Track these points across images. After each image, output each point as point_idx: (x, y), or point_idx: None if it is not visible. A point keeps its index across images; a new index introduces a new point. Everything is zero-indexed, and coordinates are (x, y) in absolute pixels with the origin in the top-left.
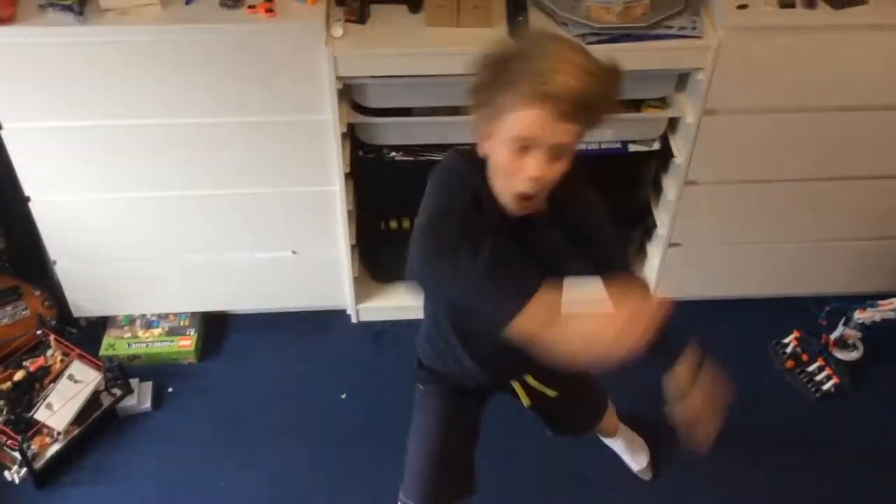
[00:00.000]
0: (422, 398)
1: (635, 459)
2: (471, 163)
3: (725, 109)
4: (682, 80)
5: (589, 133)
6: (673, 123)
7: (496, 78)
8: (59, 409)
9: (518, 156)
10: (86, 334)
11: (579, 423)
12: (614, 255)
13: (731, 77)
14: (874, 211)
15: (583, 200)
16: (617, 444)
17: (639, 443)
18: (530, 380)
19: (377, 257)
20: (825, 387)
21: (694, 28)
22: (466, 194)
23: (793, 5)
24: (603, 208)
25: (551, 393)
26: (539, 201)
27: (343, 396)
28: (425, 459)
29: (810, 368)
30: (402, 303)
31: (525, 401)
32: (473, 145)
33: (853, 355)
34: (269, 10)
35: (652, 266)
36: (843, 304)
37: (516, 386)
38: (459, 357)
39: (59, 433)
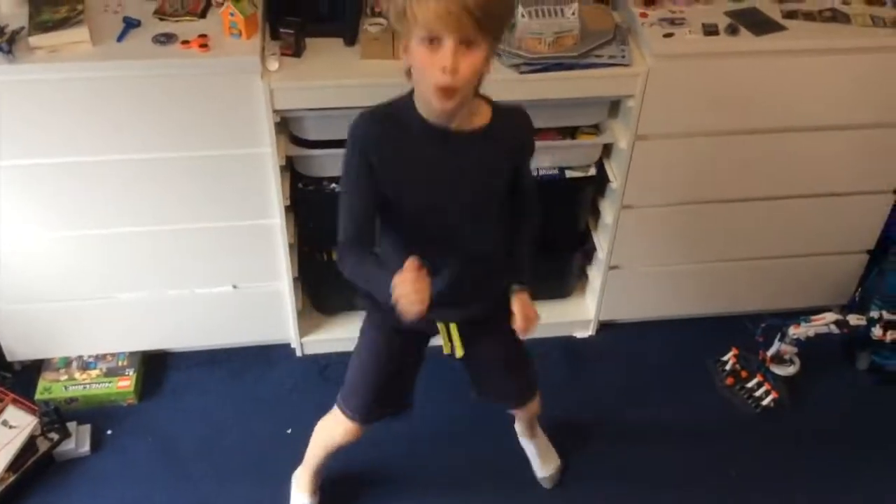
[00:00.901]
0: (366, 326)
1: (544, 466)
2: (383, 106)
3: (656, 134)
4: (614, 107)
5: (496, 32)
6: (607, 149)
7: None
8: None
9: (431, 50)
10: (20, 378)
11: (502, 391)
12: (529, 180)
13: (661, 103)
14: (804, 229)
15: (520, 127)
16: (530, 448)
17: (552, 453)
18: (453, 328)
19: (320, 289)
20: (764, 402)
21: (623, 56)
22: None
23: (716, 33)
24: (533, 143)
25: (459, 352)
26: (462, 96)
27: (289, 431)
28: (363, 380)
29: (749, 384)
30: (347, 334)
31: (447, 348)
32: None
33: (790, 370)
34: (203, 46)
35: (593, 289)
36: (778, 321)
37: (442, 330)
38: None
39: None
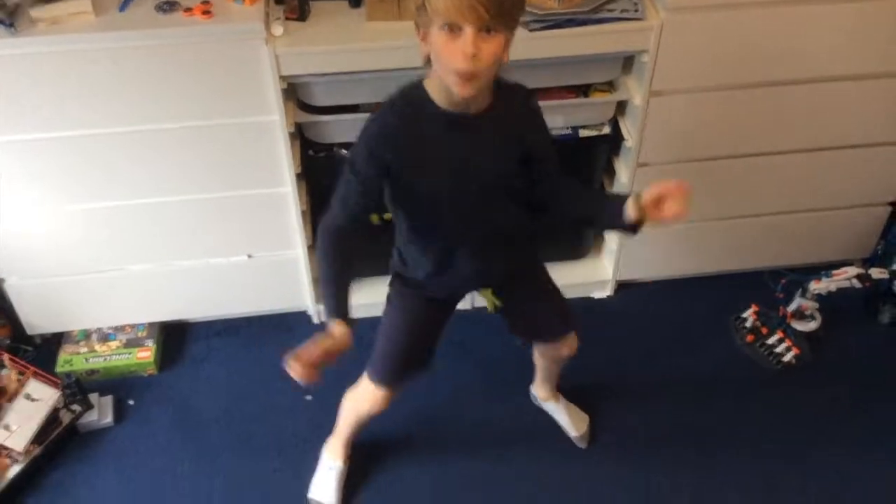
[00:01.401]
0: (392, 296)
1: (574, 426)
2: (399, 99)
3: (671, 90)
4: (627, 62)
5: (511, 23)
6: (621, 106)
7: None
8: (17, 429)
9: (451, 38)
10: (41, 351)
11: (547, 324)
12: (552, 165)
13: (675, 57)
14: (824, 182)
15: (522, 103)
16: (558, 411)
17: (577, 410)
18: (485, 293)
19: None
20: (785, 358)
21: (636, 10)
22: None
23: None
24: (544, 122)
25: (497, 304)
26: (481, 83)
27: (308, 398)
28: (394, 350)
29: (770, 341)
30: (363, 300)
31: (490, 306)
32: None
33: (811, 326)
34: (207, 13)
35: (610, 249)
36: (799, 276)
37: (482, 292)
38: (421, 264)
39: (19, 454)
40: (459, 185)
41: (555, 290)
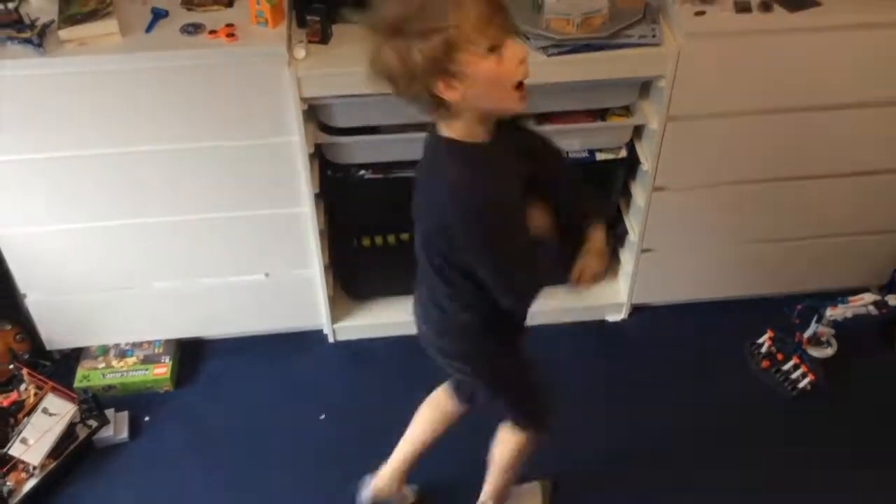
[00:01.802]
0: (494, 354)
1: None
2: (458, 157)
3: (688, 115)
4: (644, 87)
5: None
6: (638, 131)
7: (430, 24)
8: (34, 443)
9: (499, 59)
10: (60, 367)
11: None
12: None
13: (693, 83)
14: (840, 208)
15: (516, 125)
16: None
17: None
18: None
19: (352, 276)
20: (801, 384)
21: (654, 36)
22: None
23: (749, 10)
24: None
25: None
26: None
27: (322, 417)
28: (529, 395)
29: (785, 367)
30: (379, 320)
31: None
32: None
33: (827, 352)
34: (231, 35)
35: (626, 272)
36: (815, 302)
37: None
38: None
39: (34, 468)
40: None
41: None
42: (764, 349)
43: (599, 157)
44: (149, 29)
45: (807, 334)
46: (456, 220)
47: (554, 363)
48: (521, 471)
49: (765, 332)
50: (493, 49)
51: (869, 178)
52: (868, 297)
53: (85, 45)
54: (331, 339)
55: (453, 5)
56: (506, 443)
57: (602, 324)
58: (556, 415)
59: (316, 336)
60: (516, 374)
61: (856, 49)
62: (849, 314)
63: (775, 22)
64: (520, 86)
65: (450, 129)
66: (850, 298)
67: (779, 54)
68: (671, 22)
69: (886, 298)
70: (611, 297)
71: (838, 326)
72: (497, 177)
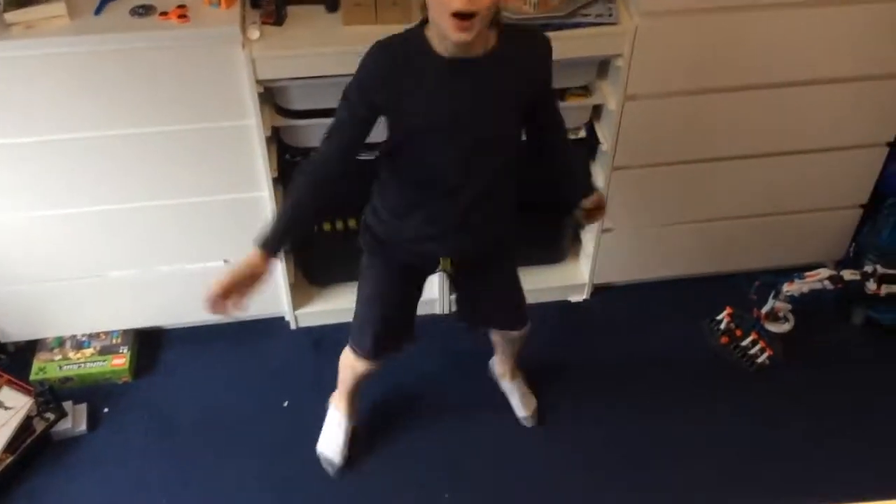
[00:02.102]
0: (364, 265)
1: (524, 406)
2: (397, 39)
3: (646, 94)
4: (602, 67)
5: None
6: (597, 111)
7: None
8: None
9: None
10: (15, 359)
11: (502, 314)
12: (553, 114)
13: (650, 62)
14: (797, 184)
15: (531, 50)
16: (511, 389)
17: (530, 394)
18: (448, 264)
19: (313, 261)
20: (759, 359)
21: (610, 15)
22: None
23: None
24: (549, 70)
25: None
26: (479, 27)
27: (285, 404)
28: (370, 317)
29: (744, 343)
30: (341, 305)
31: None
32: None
33: (784, 327)
34: (182, 17)
35: (587, 253)
36: (772, 279)
37: (444, 262)
38: (401, 218)
39: None
40: (456, 132)
41: (518, 283)
42: (723, 326)
43: None
44: (98, 11)
45: (764, 310)
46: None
47: None
48: (357, 387)
49: (724, 309)
50: None
51: (824, 154)
52: (824, 273)
53: (32, 27)
54: (292, 326)
55: None
56: (344, 351)
57: (565, 304)
58: (380, 355)
59: (277, 323)
60: (365, 295)
61: (811, 26)
62: (805, 289)
63: None
64: (456, 15)
65: (428, 31)
66: (807, 274)
67: (735, 32)
68: (628, 1)
69: (842, 273)
70: (573, 278)
71: (795, 302)
72: (416, 70)
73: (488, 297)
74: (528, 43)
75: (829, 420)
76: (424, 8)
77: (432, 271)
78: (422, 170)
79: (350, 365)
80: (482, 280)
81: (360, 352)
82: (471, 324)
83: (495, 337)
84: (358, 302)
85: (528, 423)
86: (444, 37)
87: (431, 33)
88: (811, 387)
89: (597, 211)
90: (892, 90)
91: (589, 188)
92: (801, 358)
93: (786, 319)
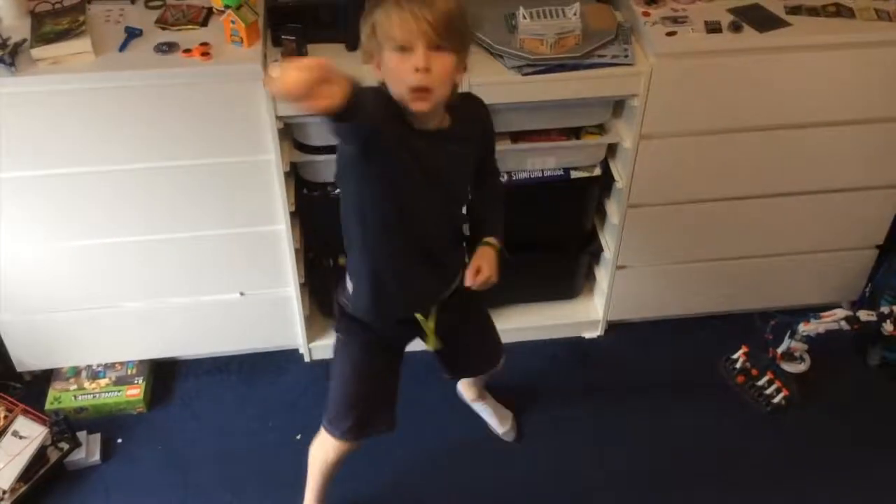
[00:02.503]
0: (341, 344)
1: (500, 423)
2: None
3: (661, 133)
4: (618, 106)
5: (459, 44)
6: (612, 149)
7: (371, 10)
8: (3, 466)
9: (403, 57)
10: (30, 389)
11: (481, 360)
12: (493, 163)
13: (665, 102)
14: (812, 225)
15: (478, 114)
16: (485, 410)
17: (501, 407)
18: (430, 323)
19: (328, 294)
20: (775, 400)
21: (626, 56)
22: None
23: (720, 30)
24: (493, 126)
25: (433, 346)
26: (436, 99)
27: (298, 437)
28: (345, 398)
29: (760, 382)
30: None
31: (432, 343)
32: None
33: (800, 367)
34: (205, 54)
35: (601, 289)
36: (788, 318)
37: (425, 323)
38: (374, 285)
39: (4, 492)
40: (428, 189)
41: (490, 319)
42: (739, 364)
43: (574, 175)
44: (122, 48)
45: (780, 350)
46: None
47: (530, 380)
48: (327, 482)
49: (739, 348)
50: (402, 49)
51: (840, 195)
52: (840, 313)
53: (58, 63)
54: (306, 359)
55: (388, 5)
56: (316, 441)
57: (579, 340)
58: (359, 437)
59: (291, 355)
60: (342, 372)
61: (824, 69)
62: (821, 330)
63: (745, 42)
64: (416, 89)
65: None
66: (823, 314)
67: (749, 74)
68: (643, 42)
69: (858, 314)
70: (587, 314)
71: (811, 342)
72: (401, 122)
73: (468, 347)
74: (473, 110)
75: (846, 462)
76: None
77: (411, 338)
78: (388, 234)
79: (323, 457)
80: (463, 330)
81: (339, 434)
82: (454, 376)
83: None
84: (334, 382)
85: (509, 438)
86: (405, 104)
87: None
88: (827, 428)
89: (478, 272)
90: None
91: (495, 233)
92: (817, 399)
93: (802, 359)
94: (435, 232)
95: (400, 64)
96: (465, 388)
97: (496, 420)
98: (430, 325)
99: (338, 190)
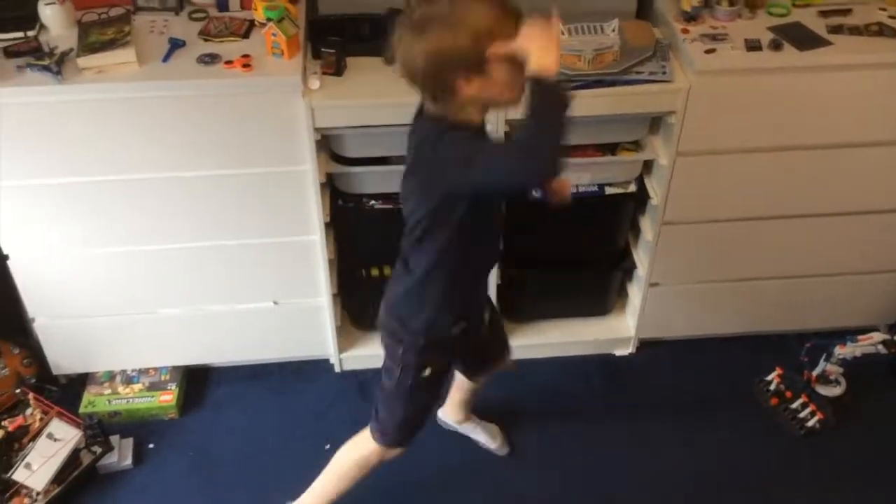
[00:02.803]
0: (434, 376)
1: (493, 438)
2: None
3: (698, 151)
4: (654, 123)
5: None
6: (648, 165)
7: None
8: (38, 468)
9: (517, 69)
10: (66, 392)
11: (499, 350)
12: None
13: (702, 119)
14: (849, 246)
15: None
16: (474, 430)
17: (487, 423)
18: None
19: (359, 305)
20: (809, 423)
21: (664, 73)
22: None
23: (759, 48)
24: None
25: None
26: None
27: (327, 447)
28: (421, 424)
29: (794, 405)
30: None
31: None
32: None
33: (836, 391)
34: (246, 66)
35: (633, 307)
36: (824, 340)
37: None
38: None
39: (38, 493)
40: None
41: (498, 313)
42: (773, 386)
43: (609, 191)
44: (166, 58)
45: (815, 372)
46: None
47: (560, 396)
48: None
49: (773, 370)
50: (516, 61)
51: (878, 216)
52: (877, 336)
53: (103, 73)
54: (337, 369)
55: (477, 3)
56: (356, 449)
57: (610, 358)
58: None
59: (322, 365)
60: (418, 396)
61: (865, 88)
62: (857, 353)
63: (785, 60)
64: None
65: (453, 115)
66: (859, 337)
67: (788, 92)
68: (682, 59)
69: (895, 338)
70: (618, 332)
71: (847, 365)
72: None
73: (487, 338)
74: None
75: (882, 486)
76: (452, 102)
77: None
78: (484, 236)
79: (366, 463)
80: (488, 323)
81: (396, 443)
82: (475, 375)
83: (470, 386)
84: (409, 407)
85: (502, 452)
86: (498, 109)
87: (461, 117)
88: (862, 453)
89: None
90: None
91: None
92: (853, 423)
93: (837, 383)
94: (499, 222)
95: (513, 72)
96: (453, 412)
97: (487, 436)
98: (485, 316)
99: (371, 202)
